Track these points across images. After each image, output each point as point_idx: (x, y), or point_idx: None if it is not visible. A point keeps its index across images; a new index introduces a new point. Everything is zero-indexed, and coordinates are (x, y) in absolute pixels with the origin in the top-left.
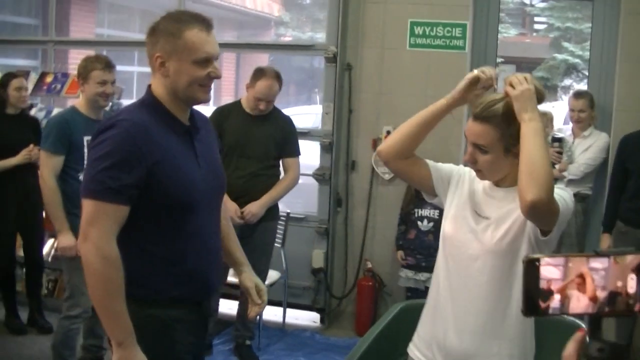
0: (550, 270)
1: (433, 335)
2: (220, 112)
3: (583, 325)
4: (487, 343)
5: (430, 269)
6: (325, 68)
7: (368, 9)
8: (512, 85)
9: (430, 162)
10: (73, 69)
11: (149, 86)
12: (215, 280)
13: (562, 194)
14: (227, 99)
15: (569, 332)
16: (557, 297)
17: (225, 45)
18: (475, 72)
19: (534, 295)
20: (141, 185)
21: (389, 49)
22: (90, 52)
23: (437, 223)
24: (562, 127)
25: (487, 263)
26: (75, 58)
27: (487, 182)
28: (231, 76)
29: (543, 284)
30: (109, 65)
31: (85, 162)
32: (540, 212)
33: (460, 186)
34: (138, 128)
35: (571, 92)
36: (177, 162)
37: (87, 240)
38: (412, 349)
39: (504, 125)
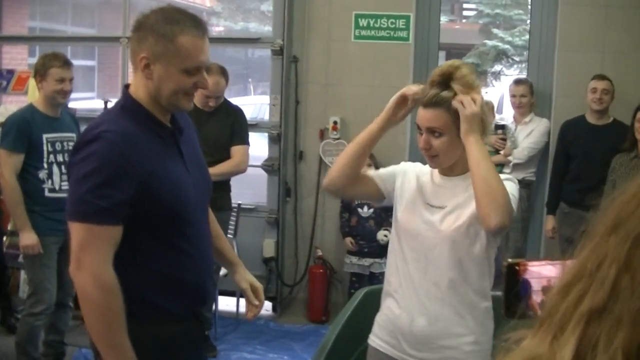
0: (549, 269)
1: (397, 323)
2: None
3: None
4: (452, 325)
5: (372, 254)
6: (272, 60)
7: (313, 2)
8: (462, 104)
9: (374, 175)
10: (6, 64)
11: (127, 87)
12: (210, 288)
13: (511, 189)
14: None
15: None
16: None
17: None
18: (401, 90)
19: (513, 299)
20: (133, 201)
21: (335, 40)
22: (23, 47)
23: (377, 209)
24: (503, 115)
25: (444, 249)
26: (8, 53)
27: (435, 174)
28: None
29: (543, 282)
30: (67, 63)
31: (66, 179)
32: (504, 230)
33: (406, 181)
34: (124, 139)
35: (512, 79)
36: (168, 171)
37: (81, 268)
38: (374, 339)
39: (454, 108)
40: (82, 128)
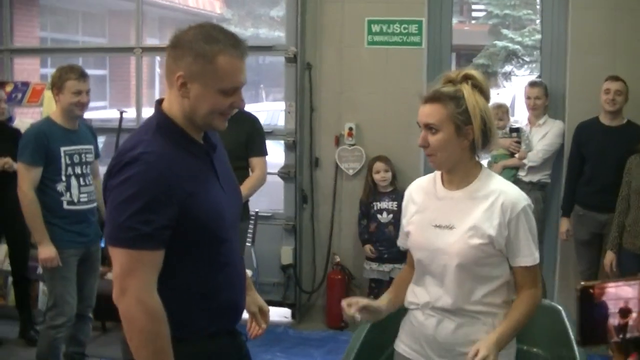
0: (625, 290)
1: (421, 331)
2: None
3: (561, 308)
4: (474, 332)
5: (392, 260)
6: (286, 67)
7: (326, 9)
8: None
9: (410, 251)
10: (19, 76)
11: (160, 103)
12: (244, 305)
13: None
14: None
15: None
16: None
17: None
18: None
19: (588, 325)
20: (173, 224)
21: (348, 47)
22: (35, 58)
23: (396, 214)
24: (517, 118)
25: (458, 268)
26: (20, 64)
27: (439, 187)
28: None
29: (620, 304)
30: (83, 75)
31: (106, 204)
32: None
33: (411, 204)
34: (163, 161)
35: (523, 79)
36: (206, 192)
37: (125, 293)
38: (399, 344)
39: (453, 104)
40: (100, 139)
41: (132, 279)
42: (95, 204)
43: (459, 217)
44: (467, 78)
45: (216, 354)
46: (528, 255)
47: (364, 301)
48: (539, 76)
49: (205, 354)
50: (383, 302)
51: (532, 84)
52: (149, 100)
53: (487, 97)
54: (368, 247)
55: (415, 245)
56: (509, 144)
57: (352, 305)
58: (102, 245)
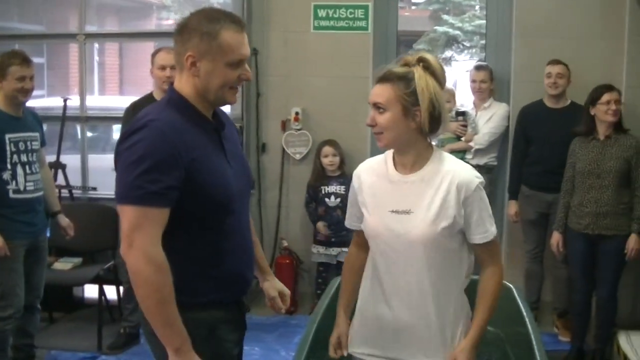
0: None
1: (378, 318)
2: (135, 106)
3: (512, 287)
4: (435, 315)
5: (340, 243)
6: None
7: None
8: None
9: (359, 227)
10: None
11: (172, 85)
12: (251, 277)
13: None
14: (112, 90)
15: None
16: None
17: (138, 36)
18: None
19: None
20: (180, 186)
21: (294, 32)
22: None
23: (344, 198)
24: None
25: (426, 250)
26: None
27: (391, 171)
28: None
29: None
30: (26, 60)
31: (115, 168)
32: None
33: (364, 188)
34: (170, 127)
35: (463, 65)
36: (210, 161)
37: (132, 247)
38: (355, 339)
39: (402, 84)
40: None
41: (139, 234)
42: (41, 193)
43: (416, 201)
44: (420, 61)
45: (219, 321)
46: (485, 231)
47: (344, 339)
48: (484, 60)
49: (209, 321)
50: (345, 322)
51: (478, 68)
52: (89, 88)
53: (440, 81)
54: (321, 224)
55: (373, 232)
56: (455, 128)
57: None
58: (48, 235)
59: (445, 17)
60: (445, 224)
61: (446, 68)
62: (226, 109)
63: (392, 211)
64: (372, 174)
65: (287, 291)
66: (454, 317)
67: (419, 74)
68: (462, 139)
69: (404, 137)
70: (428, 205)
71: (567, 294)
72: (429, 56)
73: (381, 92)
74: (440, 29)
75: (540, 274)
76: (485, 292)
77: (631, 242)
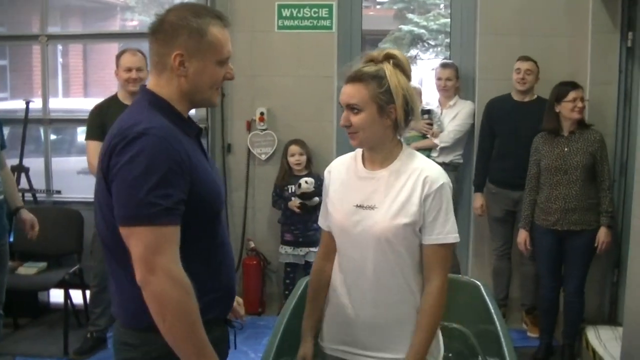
0: None
1: (343, 315)
2: (100, 108)
3: (480, 284)
4: (397, 311)
5: (307, 243)
6: None
7: None
8: None
9: (329, 229)
10: None
11: (145, 87)
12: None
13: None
14: (77, 92)
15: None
16: None
17: (104, 36)
18: None
19: None
20: (186, 197)
21: (259, 31)
22: None
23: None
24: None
25: (384, 245)
26: None
27: (359, 167)
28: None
29: None
30: None
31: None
32: None
33: (332, 183)
34: (169, 133)
35: (429, 63)
36: (203, 167)
37: (156, 272)
38: (323, 336)
39: (375, 84)
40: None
41: (161, 256)
42: (2, 196)
43: (381, 197)
44: (388, 57)
45: (219, 341)
46: (438, 233)
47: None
48: (449, 58)
49: (211, 340)
50: (310, 342)
51: (444, 65)
52: (53, 90)
53: (408, 77)
54: (293, 202)
55: (337, 227)
56: (421, 126)
57: None
58: (12, 239)
59: (410, 15)
60: (408, 220)
61: (412, 67)
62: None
63: (357, 206)
64: (342, 170)
65: (239, 299)
66: (415, 313)
67: (390, 72)
68: (428, 136)
69: (378, 135)
70: (392, 201)
71: (534, 290)
72: (396, 52)
73: (355, 93)
74: (405, 27)
75: (508, 270)
76: (424, 310)
77: (601, 235)
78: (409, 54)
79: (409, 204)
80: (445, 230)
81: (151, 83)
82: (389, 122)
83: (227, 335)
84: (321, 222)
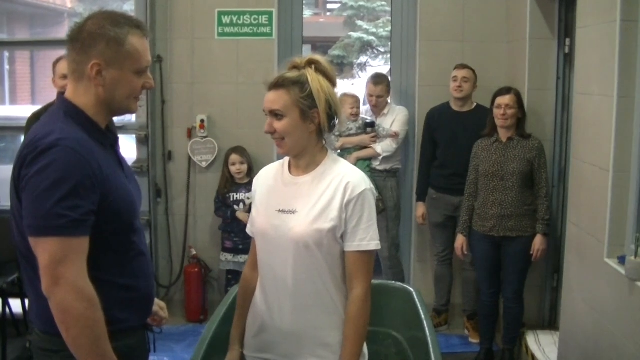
0: None
1: (262, 323)
2: (37, 116)
3: (412, 290)
4: (316, 318)
5: (247, 250)
6: None
7: (175, 1)
8: None
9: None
10: None
11: (62, 95)
12: (154, 295)
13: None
14: (24, 99)
15: (398, 295)
16: None
17: (42, 43)
18: None
19: None
20: (96, 209)
21: (198, 39)
22: None
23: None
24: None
25: (303, 249)
26: None
27: (285, 174)
28: (27, 74)
29: None
30: None
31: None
32: None
33: (258, 190)
34: (81, 145)
35: (369, 76)
36: (117, 178)
37: (60, 283)
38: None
39: (297, 89)
40: None
41: (66, 268)
42: None
43: (303, 201)
44: (311, 63)
45: (132, 349)
46: (365, 239)
47: None
48: (390, 63)
49: (126, 349)
50: (237, 350)
51: (375, 82)
52: None
53: (332, 81)
54: (242, 214)
55: (259, 231)
56: (369, 140)
57: None
58: None
59: (359, 23)
60: (328, 225)
61: (361, 74)
62: (131, 116)
63: (279, 210)
64: (269, 177)
65: (162, 303)
66: (339, 322)
67: (312, 76)
68: (372, 146)
69: (303, 141)
70: (312, 206)
71: (475, 296)
72: (318, 57)
73: (277, 99)
74: (354, 34)
75: (450, 276)
76: (349, 320)
77: (537, 242)
78: (358, 61)
79: (329, 209)
80: (367, 237)
81: (69, 91)
82: (312, 127)
83: (144, 341)
84: (248, 229)
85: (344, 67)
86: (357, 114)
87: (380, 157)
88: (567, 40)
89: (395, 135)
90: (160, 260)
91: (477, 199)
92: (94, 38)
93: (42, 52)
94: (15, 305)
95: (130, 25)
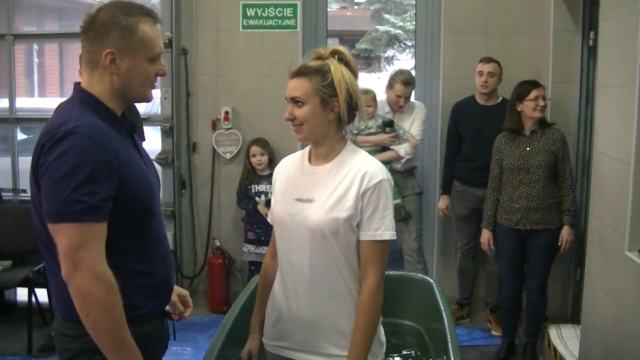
0: None
1: (281, 309)
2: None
3: (432, 282)
4: (332, 306)
5: (269, 242)
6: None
7: None
8: None
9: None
10: None
11: (79, 85)
12: (174, 282)
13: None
14: (53, 91)
15: (418, 287)
16: None
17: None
18: None
19: None
20: (114, 195)
21: (223, 31)
22: None
23: None
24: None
25: (319, 238)
26: None
27: (305, 163)
28: (55, 66)
29: None
30: None
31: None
32: None
33: (278, 179)
34: (97, 131)
35: (393, 74)
36: (135, 163)
37: (79, 268)
38: (266, 335)
39: (319, 77)
40: None
41: (85, 253)
42: None
43: (320, 190)
44: (334, 53)
45: (151, 336)
46: (380, 229)
47: (254, 354)
48: (414, 57)
49: (143, 337)
50: (257, 338)
51: (407, 84)
52: (28, 89)
53: (354, 73)
54: (263, 208)
55: (277, 219)
56: (388, 141)
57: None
58: None
59: (386, 16)
60: (344, 214)
61: (388, 67)
62: (156, 109)
63: (297, 199)
64: (290, 166)
65: (184, 292)
66: (353, 311)
67: (334, 66)
68: (393, 147)
69: (322, 129)
70: (329, 195)
71: (499, 289)
72: (341, 48)
73: (298, 86)
74: (381, 28)
75: (473, 269)
76: (360, 309)
77: (565, 233)
78: (385, 55)
79: (346, 198)
80: (382, 227)
81: (84, 81)
82: (332, 116)
83: (163, 328)
84: (269, 218)
85: (371, 60)
86: (373, 112)
87: (403, 161)
88: (591, 33)
89: (414, 143)
90: (185, 251)
91: (501, 192)
92: (106, 27)
93: (71, 44)
94: (42, 294)
95: (141, 13)
